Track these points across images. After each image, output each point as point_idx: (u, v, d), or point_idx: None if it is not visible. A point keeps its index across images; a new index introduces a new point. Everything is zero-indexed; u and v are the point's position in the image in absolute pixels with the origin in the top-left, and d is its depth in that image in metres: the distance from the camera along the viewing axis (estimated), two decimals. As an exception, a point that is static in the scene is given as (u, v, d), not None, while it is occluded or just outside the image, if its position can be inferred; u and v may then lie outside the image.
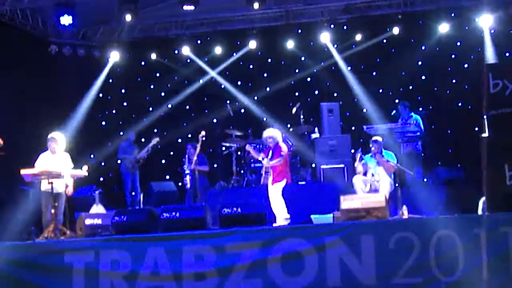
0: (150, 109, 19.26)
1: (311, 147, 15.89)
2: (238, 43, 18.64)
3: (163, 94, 19.32)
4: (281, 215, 12.46)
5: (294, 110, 16.83)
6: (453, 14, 17.20)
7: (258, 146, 16.00)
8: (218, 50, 18.58)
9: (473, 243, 9.57)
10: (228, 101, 18.10)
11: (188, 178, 15.37)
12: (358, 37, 17.81)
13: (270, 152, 13.01)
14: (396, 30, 17.32)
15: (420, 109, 16.76)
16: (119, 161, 16.88)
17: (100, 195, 15.54)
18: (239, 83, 18.92)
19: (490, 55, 16.56)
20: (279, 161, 12.70)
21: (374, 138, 13.26)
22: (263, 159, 13.05)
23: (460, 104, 17.45)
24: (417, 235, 9.74)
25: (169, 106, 19.25)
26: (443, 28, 17.15)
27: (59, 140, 13.27)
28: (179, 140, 18.68)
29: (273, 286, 9.96)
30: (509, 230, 9.60)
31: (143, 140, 17.33)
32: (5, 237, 12.01)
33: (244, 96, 18.70)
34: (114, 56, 18.46)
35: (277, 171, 12.75)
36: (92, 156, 17.72)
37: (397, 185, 12.16)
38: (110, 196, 16.61)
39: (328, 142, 15.54)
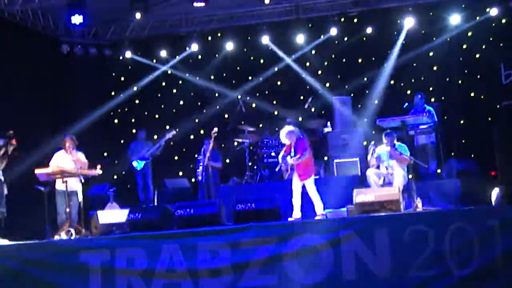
0: (162, 106, 19.30)
1: (324, 141, 15.88)
2: (249, 38, 18.63)
3: (174, 91, 19.36)
4: (319, 209, 12.34)
5: (306, 105, 16.87)
6: (463, 5, 17.14)
7: (270, 142, 16.03)
8: (228, 46, 18.56)
9: (488, 234, 9.56)
10: (239, 97, 18.09)
11: (200, 169, 15.37)
12: (369, 29, 17.73)
13: (292, 149, 12.85)
14: (407, 22, 17.26)
15: (432, 100, 16.71)
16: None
17: (115, 193, 15.60)
18: (250, 78, 18.91)
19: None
20: (304, 156, 12.59)
21: (386, 131, 13.23)
22: (290, 157, 12.85)
23: (472, 95, 17.37)
24: (431, 228, 9.73)
25: (181, 102, 19.29)
26: (454, 19, 17.09)
27: (74, 140, 13.37)
28: (192, 137, 18.70)
29: (288, 281, 9.99)
30: (523, 221, 9.59)
31: (155, 137, 17.35)
32: (21, 236, 12.08)
33: (255, 91, 18.76)
34: (126, 54, 18.52)
35: (304, 167, 12.57)
36: (105, 154, 17.78)
37: (410, 177, 12.11)
38: (124, 194, 16.66)
39: (340, 136, 15.55)
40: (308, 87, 18.41)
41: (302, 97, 17.96)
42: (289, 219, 12.06)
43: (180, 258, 10.36)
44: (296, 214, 12.30)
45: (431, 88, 17.46)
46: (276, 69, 18.78)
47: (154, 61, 19.01)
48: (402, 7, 17.32)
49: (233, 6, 17.85)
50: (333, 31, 17.67)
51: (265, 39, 18.10)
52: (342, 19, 17.77)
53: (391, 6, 17.45)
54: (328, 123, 16.36)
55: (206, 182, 15.07)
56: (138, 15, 16.03)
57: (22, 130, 13.26)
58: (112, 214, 12.59)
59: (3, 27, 16.00)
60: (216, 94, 18.96)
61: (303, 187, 12.51)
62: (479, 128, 16.20)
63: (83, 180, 13.21)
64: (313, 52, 18.49)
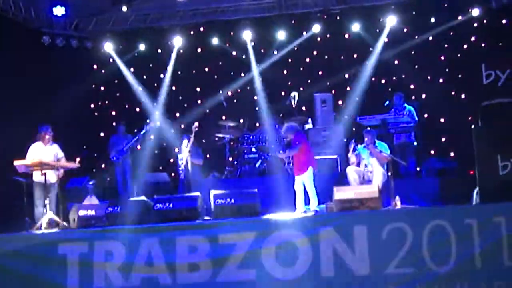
0: (143, 99, 19.25)
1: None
2: (231, 33, 18.60)
3: (155, 84, 19.30)
4: (300, 206, 12.41)
5: (287, 101, 16.88)
6: (446, 5, 17.22)
7: (252, 137, 16.03)
8: (211, 40, 18.52)
9: (466, 233, 9.65)
10: (220, 91, 18.05)
11: (182, 167, 15.35)
12: (351, 27, 17.75)
13: (289, 144, 12.93)
14: (389, 20, 17.31)
15: (413, 97, 16.79)
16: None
17: (94, 186, 15.53)
18: (232, 73, 18.89)
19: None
20: (292, 151, 12.63)
21: (366, 129, 13.27)
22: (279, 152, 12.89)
23: (453, 93, 17.45)
24: (410, 226, 9.80)
25: (162, 96, 19.23)
26: (436, 18, 17.19)
27: (51, 131, 13.32)
28: (172, 131, 18.66)
29: (267, 276, 10.01)
30: (501, 220, 9.69)
31: (136, 130, 17.28)
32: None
33: (238, 86, 18.75)
34: (107, 47, 18.43)
35: (299, 162, 12.65)
36: (84, 147, 17.69)
37: (390, 175, 12.16)
38: (103, 187, 16.59)
39: (321, 133, 15.60)
40: (289, 83, 18.42)
41: (283, 93, 17.97)
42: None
43: (159, 252, 10.35)
44: (300, 208, 12.36)
45: (412, 86, 17.54)
46: (257, 65, 18.80)
47: (136, 54, 18.93)
48: (384, 5, 17.37)
49: (217, 1, 17.81)
50: (316, 28, 17.71)
51: (247, 35, 18.09)
52: (325, 16, 17.79)
53: (374, 4, 17.51)
54: (309, 120, 16.39)
55: (186, 178, 15.03)
56: (124, 8, 15.97)
57: (1, 121, 13.21)
58: (91, 207, 12.51)
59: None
60: (198, 89, 18.91)
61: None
62: (459, 126, 16.27)
63: (62, 173, 13.20)
64: (296, 48, 18.52)
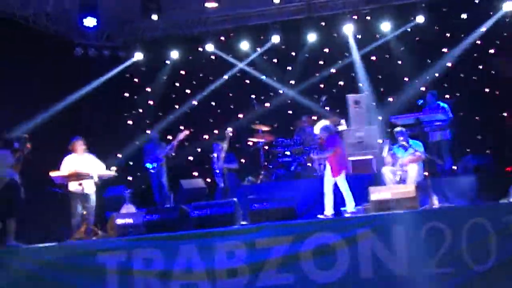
0: (176, 106, 19.32)
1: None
2: (261, 38, 18.63)
3: (188, 91, 19.37)
4: (350, 206, 12.31)
5: (320, 103, 16.84)
6: (477, 1, 17.07)
7: (285, 141, 16.03)
8: (241, 45, 18.58)
9: (506, 230, 9.52)
10: (253, 96, 18.08)
11: (218, 173, 15.39)
12: (382, 27, 17.69)
13: (322, 145, 12.89)
14: (420, 19, 17.22)
15: (447, 96, 16.65)
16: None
17: (130, 194, 15.61)
18: (263, 77, 18.90)
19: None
20: (327, 152, 12.59)
21: (398, 128, 13.18)
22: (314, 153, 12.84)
23: (487, 90, 17.29)
24: (448, 225, 9.70)
25: (195, 103, 19.29)
26: (468, 14, 17.05)
27: (82, 142, 13.42)
28: (206, 137, 18.70)
29: (305, 280, 9.98)
30: (540, 216, 9.55)
31: (169, 137, 17.35)
32: (37, 239, 12.12)
33: (269, 91, 18.75)
34: (138, 56, 18.54)
35: (334, 163, 12.60)
36: (119, 156, 17.79)
37: (426, 174, 12.07)
38: (140, 195, 16.67)
39: (355, 134, 15.47)
40: (322, 85, 18.37)
41: (316, 96, 17.94)
42: (319, 216, 12.06)
43: (197, 259, 10.38)
44: (328, 211, 12.31)
45: (445, 85, 17.39)
46: (289, 68, 18.79)
47: (167, 62, 19.03)
48: (415, 4, 17.28)
49: (246, 6, 17.84)
50: (347, 29, 17.63)
51: (276, 38, 18.13)
52: (355, 17, 17.72)
53: (404, 3, 17.40)
54: (342, 121, 16.32)
55: (222, 184, 15.06)
56: (154, 17, 16.05)
57: (36, 133, 13.32)
58: (128, 216, 12.58)
59: (16, 31, 16.04)
60: (230, 94, 18.95)
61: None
62: (494, 123, 16.14)
63: (98, 182, 13.30)
64: (326, 50, 18.49)
